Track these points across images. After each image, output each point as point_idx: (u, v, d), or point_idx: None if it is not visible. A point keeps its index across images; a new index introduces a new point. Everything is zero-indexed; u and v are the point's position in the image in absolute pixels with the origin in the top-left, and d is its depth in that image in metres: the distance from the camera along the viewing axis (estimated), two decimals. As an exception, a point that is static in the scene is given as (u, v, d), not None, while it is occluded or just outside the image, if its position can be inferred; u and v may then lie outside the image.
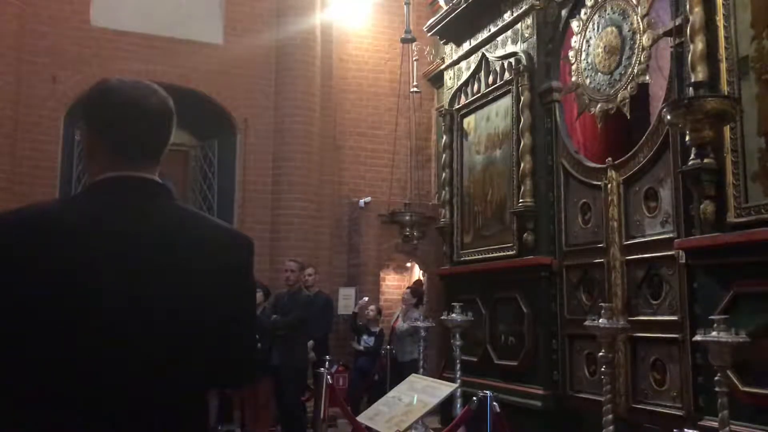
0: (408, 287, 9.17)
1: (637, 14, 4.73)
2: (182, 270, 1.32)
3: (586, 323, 4.23)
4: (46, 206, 1.35)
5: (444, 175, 6.95)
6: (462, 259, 6.55)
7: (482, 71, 6.46)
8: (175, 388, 1.30)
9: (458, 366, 5.45)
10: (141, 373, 1.26)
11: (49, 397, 1.22)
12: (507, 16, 6.11)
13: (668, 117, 3.74)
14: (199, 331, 1.33)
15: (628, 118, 4.91)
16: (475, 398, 4.27)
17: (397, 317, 8.45)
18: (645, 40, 4.65)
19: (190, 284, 1.32)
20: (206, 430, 1.43)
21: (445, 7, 6.97)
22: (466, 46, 6.76)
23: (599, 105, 5.02)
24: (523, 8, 5.86)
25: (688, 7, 4.09)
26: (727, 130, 3.80)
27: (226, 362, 1.40)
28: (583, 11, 5.28)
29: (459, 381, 5.27)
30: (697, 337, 3.46)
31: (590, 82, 5.13)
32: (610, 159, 4.94)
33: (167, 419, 1.29)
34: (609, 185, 4.87)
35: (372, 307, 8.53)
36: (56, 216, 1.30)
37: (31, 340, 1.22)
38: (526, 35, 5.84)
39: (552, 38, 5.71)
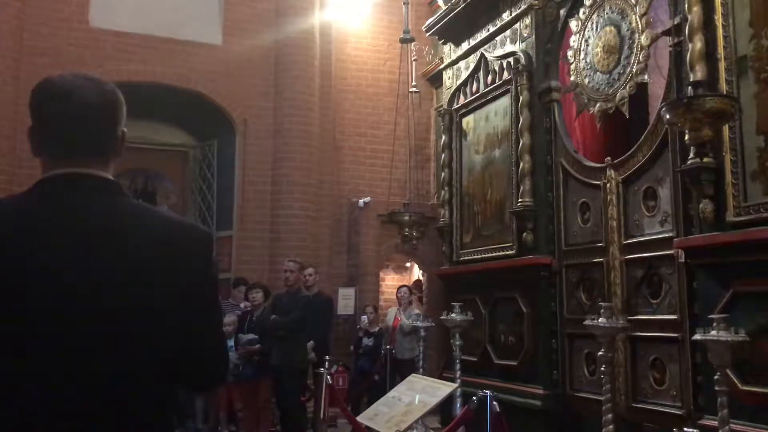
0: (403, 285, 9.16)
1: (635, 13, 4.73)
2: (127, 268, 1.29)
3: (586, 323, 4.22)
4: None
5: (443, 174, 6.95)
6: (461, 258, 6.55)
7: (481, 71, 6.46)
8: (131, 387, 1.28)
9: (458, 366, 5.45)
10: (86, 372, 1.24)
11: (3, 396, 1.22)
12: (506, 16, 6.11)
13: (667, 116, 3.74)
14: (153, 330, 1.29)
15: (627, 117, 4.91)
16: (474, 398, 4.27)
17: (395, 316, 8.44)
18: (644, 39, 4.65)
19: (137, 282, 1.29)
20: (170, 430, 1.38)
21: (443, 7, 6.97)
22: (464, 46, 6.77)
23: (598, 104, 5.03)
24: (522, 8, 5.86)
25: (686, 6, 4.09)
26: (726, 129, 3.81)
27: (189, 362, 1.36)
28: (581, 11, 5.28)
29: (459, 381, 5.27)
30: (697, 336, 3.46)
31: (589, 82, 5.13)
32: (609, 158, 4.94)
33: (125, 419, 1.27)
34: (608, 185, 4.88)
35: (370, 308, 8.54)
36: None
37: None
38: (525, 35, 5.85)
39: (551, 38, 5.71)
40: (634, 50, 4.73)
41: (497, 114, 6.15)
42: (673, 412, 4.22)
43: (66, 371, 1.23)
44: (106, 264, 1.28)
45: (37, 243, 1.26)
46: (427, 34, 7.56)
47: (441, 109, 7.28)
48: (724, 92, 3.81)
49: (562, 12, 5.58)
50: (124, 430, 1.28)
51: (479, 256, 6.22)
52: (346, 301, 9.06)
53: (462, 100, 6.74)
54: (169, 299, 1.31)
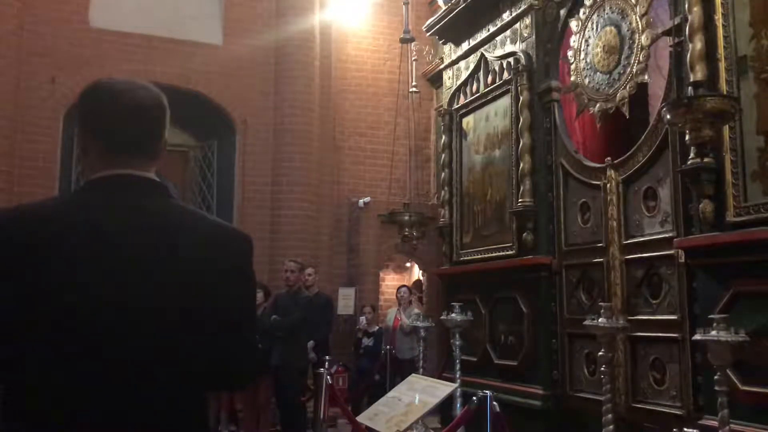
0: (403, 285, 9.17)
1: (636, 13, 4.73)
2: (175, 268, 1.30)
3: (586, 323, 4.23)
4: (37, 205, 1.35)
5: (443, 174, 6.95)
6: (461, 258, 6.55)
7: (481, 71, 6.46)
8: (169, 387, 1.28)
9: (458, 366, 5.44)
10: (130, 372, 1.24)
11: (41, 394, 1.22)
12: (506, 16, 6.11)
13: (667, 116, 3.74)
14: (194, 330, 1.30)
15: (627, 117, 4.91)
16: (474, 398, 4.27)
17: (395, 316, 8.45)
18: (644, 39, 4.65)
19: (183, 283, 1.30)
20: (207, 430, 1.40)
21: (443, 7, 6.96)
22: (465, 46, 6.77)
23: (598, 104, 5.02)
24: (522, 8, 5.86)
25: (687, 6, 4.09)
26: (726, 129, 3.80)
27: (225, 363, 1.37)
28: (581, 11, 5.28)
29: (459, 381, 5.27)
30: (697, 337, 3.46)
31: (589, 82, 5.13)
32: (609, 158, 4.94)
33: (161, 419, 1.27)
34: (608, 185, 4.88)
35: (368, 308, 8.54)
36: (45, 215, 1.29)
37: (18, 338, 1.22)
38: (525, 35, 5.85)
39: (551, 38, 5.71)
40: (635, 50, 4.73)
41: (497, 114, 6.16)
42: (673, 412, 4.22)
43: (109, 372, 1.23)
44: (155, 265, 1.29)
45: (88, 243, 1.26)
46: (428, 34, 7.56)
47: (441, 109, 7.28)
48: (725, 92, 3.81)
49: (563, 12, 5.58)
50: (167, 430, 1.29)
51: (479, 256, 6.22)
52: (346, 301, 9.07)
53: (462, 100, 6.74)
54: (208, 299, 1.32)
